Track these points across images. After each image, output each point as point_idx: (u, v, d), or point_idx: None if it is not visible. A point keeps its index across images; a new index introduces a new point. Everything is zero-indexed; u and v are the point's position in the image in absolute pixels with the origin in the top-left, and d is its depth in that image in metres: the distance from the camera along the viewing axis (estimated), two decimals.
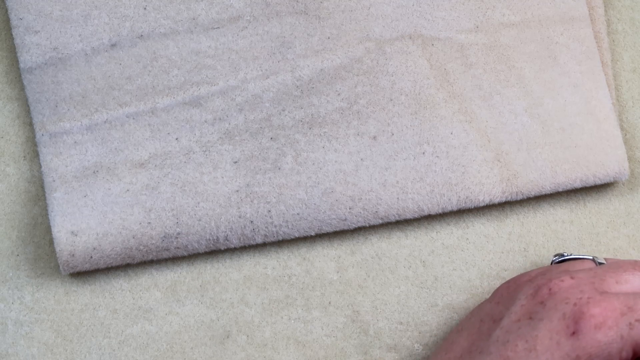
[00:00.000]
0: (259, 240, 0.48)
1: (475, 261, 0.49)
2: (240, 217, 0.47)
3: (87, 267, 0.47)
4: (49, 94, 0.48)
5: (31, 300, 0.48)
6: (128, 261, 0.47)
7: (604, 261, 0.45)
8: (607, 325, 0.39)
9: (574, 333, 0.39)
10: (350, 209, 0.48)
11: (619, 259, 0.45)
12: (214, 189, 0.47)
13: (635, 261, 0.43)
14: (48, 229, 0.49)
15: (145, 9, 0.48)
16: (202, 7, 0.49)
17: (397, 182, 0.48)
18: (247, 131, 0.48)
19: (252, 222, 0.47)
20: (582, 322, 0.39)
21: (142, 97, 0.48)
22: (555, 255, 0.47)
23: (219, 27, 0.49)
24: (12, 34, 0.49)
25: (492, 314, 0.43)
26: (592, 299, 0.40)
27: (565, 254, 0.47)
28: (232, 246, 0.48)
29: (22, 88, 0.50)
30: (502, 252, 0.50)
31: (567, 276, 0.42)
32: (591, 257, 0.46)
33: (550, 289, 0.42)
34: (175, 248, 0.47)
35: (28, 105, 0.49)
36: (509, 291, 0.44)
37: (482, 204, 0.48)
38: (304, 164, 0.48)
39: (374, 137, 0.48)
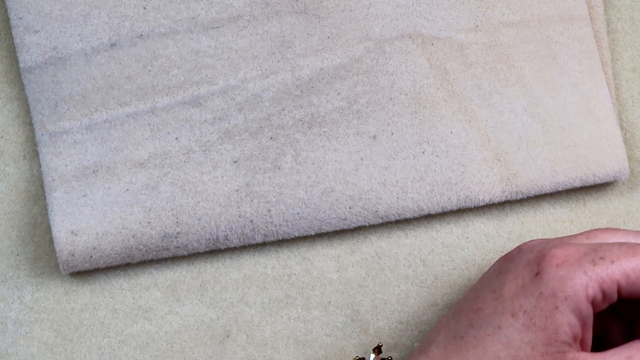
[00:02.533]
0: (259, 239, 0.48)
1: (475, 260, 0.49)
2: (240, 216, 0.47)
3: (87, 266, 0.47)
4: (48, 93, 0.48)
5: (31, 300, 0.48)
6: (128, 261, 0.47)
7: None
8: (568, 262, 0.39)
9: (537, 274, 0.39)
10: (350, 208, 0.48)
11: None
12: (214, 188, 0.47)
13: (608, 227, 0.44)
14: (48, 229, 0.49)
15: (145, 8, 0.48)
16: (202, 6, 0.49)
17: (397, 181, 0.48)
18: (246, 131, 0.48)
19: (252, 221, 0.47)
20: (544, 262, 0.39)
21: (142, 97, 0.48)
22: None
23: (218, 27, 0.49)
24: (11, 34, 0.49)
25: (472, 288, 0.43)
26: (557, 245, 0.40)
27: None
28: (232, 245, 0.48)
29: (21, 87, 0.50)
30: (502, 251, 0.50)
31: (538, 239, 0.43)
32: None
33: (519, 248, 0.42)
34: (175, 247, 0.47)
35: (28, 105, 0.49)
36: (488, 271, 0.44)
37: (482, 203, 0.48)
38: (304, 164, 0.48)
39: (374, 137, 0.48)
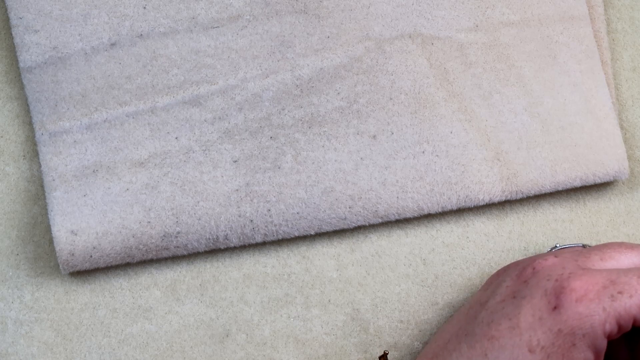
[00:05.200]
0: (259, 239, 0.48)
1: (475, 260, 0.49)
2: (240, 216, 0.47)
3: (86, 266, 0.47)
4: (48, 93, 0.48)
5: (31, 300, 0.48)
6: (128, 260, 0.47)
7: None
8: (588, 297, 0.39)
9: (555, 307, 0.39)
10: (350, 208, 0.48)
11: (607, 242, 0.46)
12: (214, 188, 0.47)
13: (622, 242, 0.43)
14: (48, 228, 0.49)
15: (144, 8, 0.48)
16: (202, 6, 0.49)
17: (397, 181, 0.48)
18: (246, 130, 0.48)
19: (251, 221, 0.47)
20: (563, 296, 0.39)
21: (142, 96, 0.48)
22: (550, 249, 0.48)
23: (218, 27, 0.49)
24: (11, 33, 0.49)
25: (479, 300, 0.43)
26: (574, 273, 0.40)
27: (558, 245, 0.47)
28: (232, 245, 0.48)
29: (21, 87, 0.50)
30: (503, 251, 0.50)
31: (551, 256, 0.42)
32: (581, 244, 0.46)
33: (534, 268, 0.42)
34: (175, 247, 0.47)
35: (28, 105, 0.49)
36: (497, 277, 0.44)
37: (482, 203, 0.48)
38: (304, 163, 0.48)
39: (374, 136, 0.48)
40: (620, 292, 0.39)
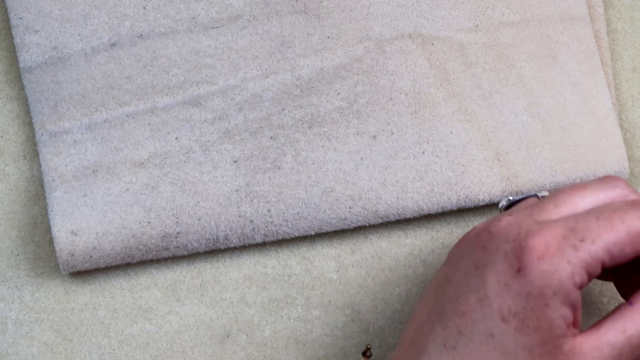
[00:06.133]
0: (259, 239, 0.48)
1: None
2: (240, 216, 0.47)
3: (87, 266, 0.47)
4: (48, 93, 0.48)
5: (31, 300, 0.48)
6: (128, 260, 0.47)
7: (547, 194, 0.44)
8: (550, 253, 0.37)
9: (519, 270, 0.38)
10: (350, 208, 0.48)
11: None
12: (214, 188, 0.47)
13: (574, 185, 0.42)
14: (48, 229, 0.49)
15: (144, 8, 0.48)
16: (202, 6, 0.49)
17: (397, 181, 0.48)
18: (246, 130, 0.48)
19: (251, 221, 0.47)
20: (524, 256, 0.38)
21: (142, 97, 0.48)
22: (500, 205, 0.46)
23: (218, 27, 0.49)
24: (11, 34, 0.49)
25: (445, 276, 0.41)
26: (531, 230, 0.38)
27: (511, 198, 0.45)
28: (232, 245, 0.48)
29: (21, 87, 0.50)
30: None
31: (504, 216, 0.41)
32: (534, 194, 0.45)
33: (489, 232, 0.40)
34: (175, 247, 0.47)
35: (28, 105, 0.49)
36: (458, 249, 0.42)
37: (482, 203, 0.48)
38: (304, 163, 0.48)
39: (374, 137, 0.48)
40: (582, 240, 0.38)
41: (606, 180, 0.42)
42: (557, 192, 0.41)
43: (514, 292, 0.37)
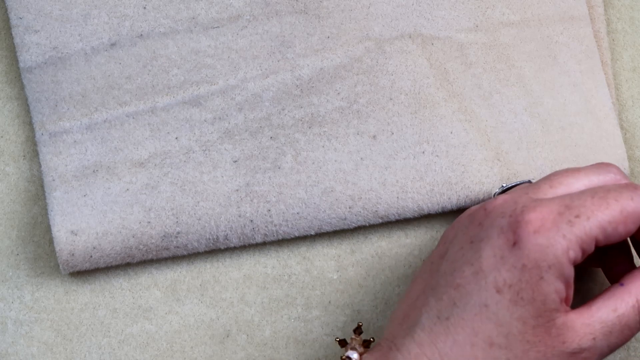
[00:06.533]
0: (259, 239, 0.48)
1: None
2: (240, 216, 0.47)
3: (87, 266, 0.47)
4: (48, 93, 0.48)
5: (31, 300, 0.48)
6: (128, 260, 0.47)
7: None
8: (545, 227, 0.38)
9: (515, 243, 0.38)
10: (350, 208, 0.48)
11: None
12: (214, 188, 0.47)
13: (568, 168, 0.43)
14: (48, 229, 0.49)
15: (145, 8, 0.48)
16: (202, 6, 0.49)
17: (397, 181, 0.48)
18: (246, 130, 0.48)
19: (251, 221, 0.47)
20: (520, 230, 0.38)
21: (142, 97, 0.48)
22: (494, 193, 0.47)
23: (218, 27, 0.49)
24: (11, 34, 0.49)
25: (439, 253, 0.42)
26: (527, 206, 0.39)
27: (504, 185, 0.46)
28: (232, 245, 0.48)
29: (21, 87, 0.50)
30: None
31: (500, 195, 0.42)
32: (528, 180, 0.46)
33: (485, 209, 0.41)
34: (175, 247, 0.47)
35: (28, 105, 0.49)
36: (452, 230, 0.43)
37: None
38: (304, 163, 0.48)
39: (374, 136, 0.48)
40: (577, 216, 0.38)
41: (600, 165, 0.43)
42: (552, 174, 0.42)
43: (509, 264, 0.38)
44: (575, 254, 0.38)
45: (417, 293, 0.41)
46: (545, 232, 0.38)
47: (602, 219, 0.38)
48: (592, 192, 0.40)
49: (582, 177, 0.42)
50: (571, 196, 0.39)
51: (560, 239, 0.38)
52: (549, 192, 0.41)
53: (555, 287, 0.38)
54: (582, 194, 0.40)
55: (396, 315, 0.42)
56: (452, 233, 0.43)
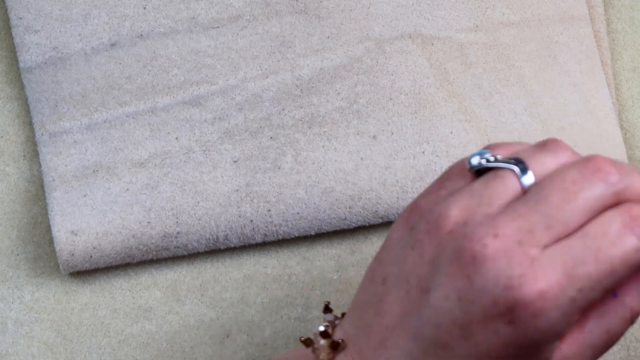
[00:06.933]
0: (259, 239, 0.48)
1: None
2: (240, 216, 0.47)
3: (87, 266, 0.47)
4: (48, 93, 0.48)
5: (31, 300, 0.48)
6: (128, 260, 0.47)
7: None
8: (547, 307, 0.33)
9: (510, 322, 0.33)
10: (350, 208, 0.48)
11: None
12: (214, 188, 0.47)
13: (560, 186, 0.34)
14: (48, 229, 0.49)
15: (145, 8, 0.48)
16: (202, 6, 0.49)
17: (397, 181, 0.48)
18: (246, 130, 0.48)
19: (251, 221, 0.47)
20: (517, 311, 0.33)
21: (142, 97, 0.48)
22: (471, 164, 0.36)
23: (218, 27, 0.49)
24: (11, 34, 0.49)
25: (416, 272, 0.35)
26: (525, 277, 0.33)
27: (483, 162, 0.35)
28: (232, 245, 0.48)
29: (21, 87, 0.50)
30: None
31: (490, 237, 0.33)
32: (509, 166, 0.35)
33: (473, 257, 0.33)
34: (175, 247, 0.47)
35: (28, 105, 0.49)
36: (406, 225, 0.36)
37: None
38: (304, 163, 0.48)
39: (374, 137, 0.48)
40: (580, 290, 0.33)
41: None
42: (544, 197, 0.34)
43: (503, 340, 0.34)
44: (578, 316, 0.34)
45: (396, 316, 0.36)
46: (547, 312, 0.33)
47: (606, 284, 0.34)
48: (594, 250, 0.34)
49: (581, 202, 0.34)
50: (574, 262, 0.33)
51: (562, 319, 0.33)
52: (545, 236, 0.34)
53: (554, 347, 0.35)
54: (584, 250, 0.34)
55: (365, 322, 0.37)
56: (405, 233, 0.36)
